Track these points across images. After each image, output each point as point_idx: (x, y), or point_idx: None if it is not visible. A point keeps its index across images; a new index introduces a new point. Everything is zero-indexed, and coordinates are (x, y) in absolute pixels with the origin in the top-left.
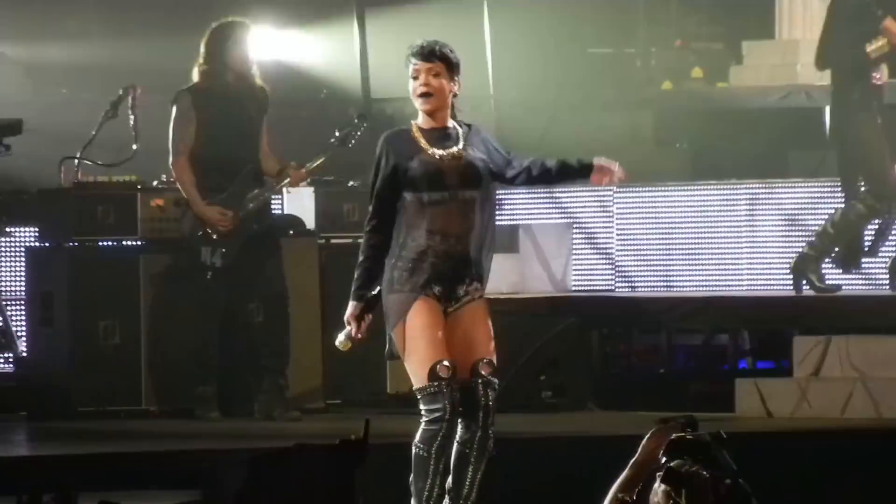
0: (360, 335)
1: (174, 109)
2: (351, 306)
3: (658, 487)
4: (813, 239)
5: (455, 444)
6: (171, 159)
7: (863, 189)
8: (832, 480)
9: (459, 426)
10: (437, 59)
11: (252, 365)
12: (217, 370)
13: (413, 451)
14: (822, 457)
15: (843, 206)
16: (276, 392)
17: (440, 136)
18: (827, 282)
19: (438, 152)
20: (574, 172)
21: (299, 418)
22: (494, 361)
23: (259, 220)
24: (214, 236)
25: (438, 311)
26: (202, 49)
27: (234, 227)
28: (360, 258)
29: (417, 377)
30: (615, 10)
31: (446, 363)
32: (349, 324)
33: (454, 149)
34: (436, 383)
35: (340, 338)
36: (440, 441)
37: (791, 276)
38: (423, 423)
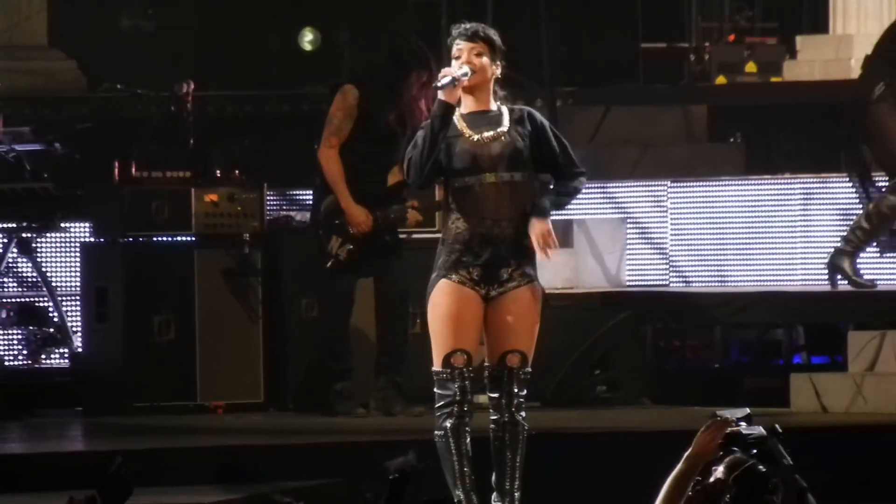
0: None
1: (339, 98)
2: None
3: (713, 481)
4: (847, 234)
5: (490, 434)
6: (320, 146)
7: (891, 180)
8: (888, 476)
9: (490, 414)
10: (481, 39)
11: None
12: (351, 366)
13: (436, 443)
14: (877, 452)
15: (874, 199)
16: (394, 389)
17: (481, 119)
18: (864, 277)
19: (476, 136)
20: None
21: (422, 413)
22: (527, 353)
23: (391, 234)
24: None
25: (469, 296)
26: (394, 54)
27: (371, 232)
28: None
29: (434, 360)
30: (668, 4)
31: (461, 353)
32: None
33: (495, 131)
34: (448, 370)
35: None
36: (454, 422)
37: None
38: (436, 411)
